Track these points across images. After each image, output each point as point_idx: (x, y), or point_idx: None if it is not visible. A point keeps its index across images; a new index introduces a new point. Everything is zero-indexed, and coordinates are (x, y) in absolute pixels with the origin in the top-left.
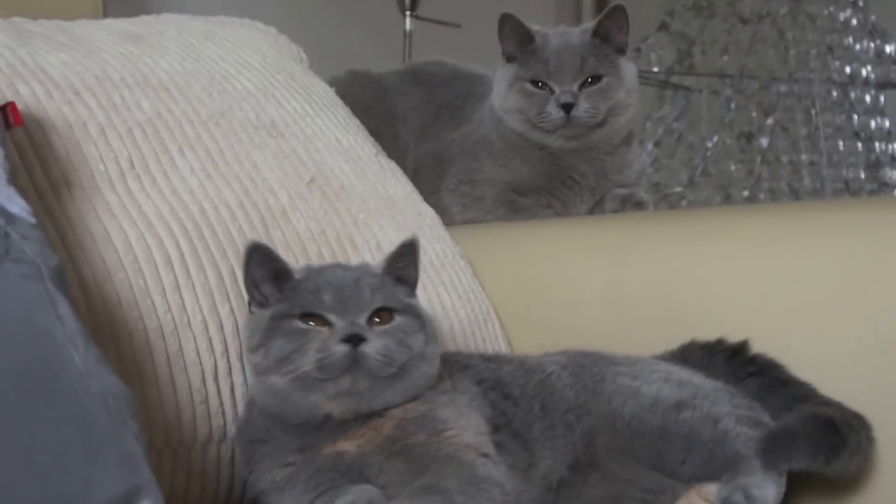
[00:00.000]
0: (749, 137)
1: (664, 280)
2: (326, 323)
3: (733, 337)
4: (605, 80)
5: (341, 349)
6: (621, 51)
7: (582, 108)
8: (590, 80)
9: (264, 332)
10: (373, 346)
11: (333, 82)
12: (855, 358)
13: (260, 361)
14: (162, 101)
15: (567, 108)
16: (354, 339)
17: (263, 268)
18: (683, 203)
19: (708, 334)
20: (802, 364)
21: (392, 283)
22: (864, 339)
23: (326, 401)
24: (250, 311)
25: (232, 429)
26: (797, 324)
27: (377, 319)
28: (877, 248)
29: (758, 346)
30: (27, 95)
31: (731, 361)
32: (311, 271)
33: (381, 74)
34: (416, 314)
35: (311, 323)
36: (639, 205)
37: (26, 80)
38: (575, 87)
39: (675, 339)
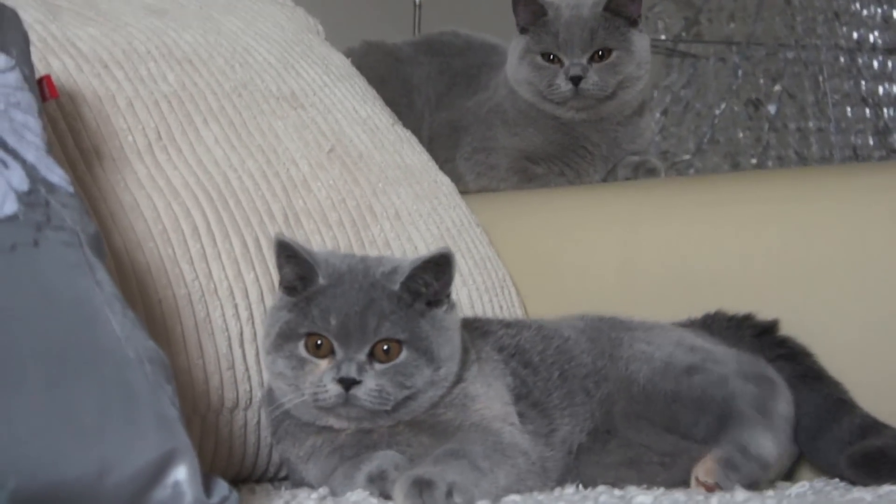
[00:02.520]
0: (756, 105)
1: (679, 246)
2: (329, 350)
3: (749, 301)
4: (615, 53)
5: (334, 389)
6: (633, 23)
7: (591, 81)
8: (600, 53)
9: (272, 345)
10: (365, 389)
11: (349, 53)
12: (869, 322)
13: (268, 367)
14: (186, 74)
15: (576, 80)
16: (346, 382)
17: (289, 266)
18: (691, 171)
19: (722, 299)
20: (817, 328)
21: (407, 304)
22: (880, 304)
23: (327, 418)
24: (279, 292)
25: (257, 395)
26: (812, 289)
27: (385, 348)
28: (893, 212)
29: (772, 311)
30: (58, 69)
31: (760, 339)
32: (332, 278)
33: (396, 45)
34: (424, 347)
35: (315, 345)
36: (651, 171)
37: (57, 54)
38: (584, 60)
39: (690, 304)
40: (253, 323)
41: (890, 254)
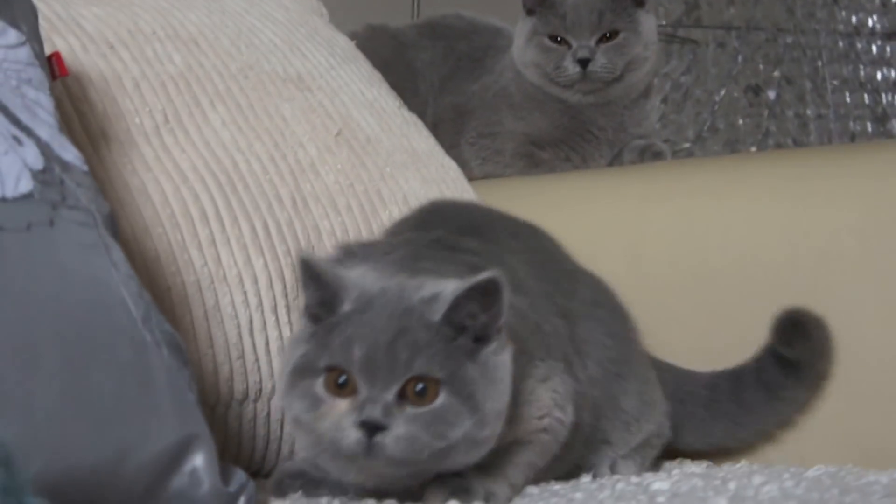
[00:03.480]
0: (756, 91)
1: (687, 230)
2: (354, 389)
3: (759, 286)
4: (622, 35)
5: (354, 435)
6: (640, 3)
7: (599, 64)
8: (607, 34)
9: (287, 384)
10: (392, 437)
11: (352, 37)
12: (881, 304)
13: (286, 411)
14: (192, 55)
15: (584, 63)
16: (369, 427)
17: (312, 288)
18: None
19: (732, 285)
20: (830, 312)
21: (448, 338)
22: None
23: (349, 471)
24: (302, 320)
25: (267, 386)
26: (824, 272)
27: (418, 388)
28: None
29: (785, 296)
30: (63, 48)
31: None
32: (359, 303)
33: (399, 28)
34: (467, 392)
35: (335, 383)
36: (657, 155)
37: (62, 34)
38: (592, 42)
39: (698, 291)
40: (262, 311)
41: None
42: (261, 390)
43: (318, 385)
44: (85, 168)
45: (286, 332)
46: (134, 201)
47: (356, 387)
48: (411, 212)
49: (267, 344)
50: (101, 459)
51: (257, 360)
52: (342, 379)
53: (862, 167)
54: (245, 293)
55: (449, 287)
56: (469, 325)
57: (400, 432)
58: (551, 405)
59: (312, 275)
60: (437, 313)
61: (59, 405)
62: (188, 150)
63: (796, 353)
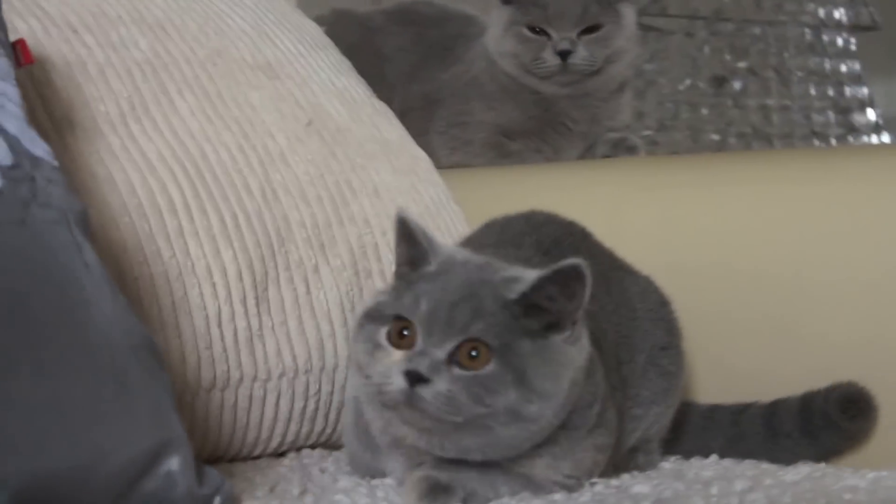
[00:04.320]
0: (721, 81)
1: (661, 226)
2: (412, 342)
3: (733, 285)
4: (604, 28)
5: (398, 383)
6: None
7: (579, 56)
8: (590, 27)
9: (356, 325)
10: (432, 391)
11: (318, 21)
12: (862, 301)
13: (351, 353)
14: (159, 40)
15: (564, 55)
16: (413, 377)
17: (403, 246)
18: (654, 147)
19: (707, 283)
20: (810, 311)
21: (516, 315)
22: (871, 285)
23: (398, 424)
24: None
25: (235, 375)
26: (802, 270)
27: (472, 353)
28: (882, 195)
29: (762, 294)
30: (25, 32)
31: None
32: (443, 266)
33: (367, 14)
34: (518, 366)
35: (399, 333)
36: (631, 149)
37: (23, 17)
38: (574, 34)
39: (672, 285)
40: (231, 302)
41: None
42: (228, 379)
43: (382, 333)
44: (55, 163)
45: (255, 323)
46: (100, 191)
47: (414, 340)
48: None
49: (235, 334)
50: (75, 463)
51: (225, 349)
52: (405, 331)
53: (839, 170)
54: (213, 284)
55: (533, 273)
56: (545, 307)
57: (440, 388)
58: (589, 472)
59: (406, 232)
60: (514, 293)
61: (32, 409)
62: (155, 139)
63: (853, 427)
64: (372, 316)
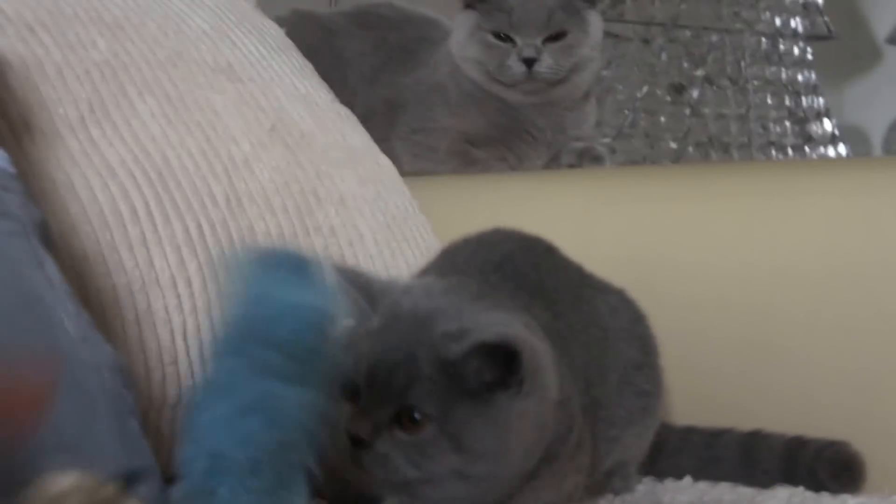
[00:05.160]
0: (679, 88)
1: (628, 238)
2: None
3: (703, 296)
4: (570, 35)
5: (342, 445)
6: (591, 2)
7: (545, 64)
8: (555, 34)
9: None
10: (371, 454)
11: (278, 22)
12: (837, 317)
13: None
14: (118, 41)
15: (529, 62)
16: (355, 440)
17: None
18: (613, 154)
19: (675, 296)
20: (778, 323)
21: (455, 376)
22: (846, 299)
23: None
24: None
25: None
26: (771, 283)
27: (415, 416)
28: (859, 210)
29: (731, 307)
30: None
31: None
32: (386, 318)
33: (328, 16)
34: (454, 432)
35: (349, 390)
36: (596, 159)
37: None
38: (538, 41)
39: (640, 301)
40: (196, 314)
41: (854, 249)
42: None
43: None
44: (12, 170)
45: None
46: (59, 197)
47: (360, 399)
48: (483, 245)
49: (202, 348)
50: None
51: (191, 364)
52: (353, 388)
53: (810, 184)
54: (178, 296)
55: (476, 330)
56: (479, 374)
57: (379, 451)
58: (568, 495)
59: (346, 285)
60: (453, 353)
61: None
62: (116, 144)
63: (839, 489)
64: None
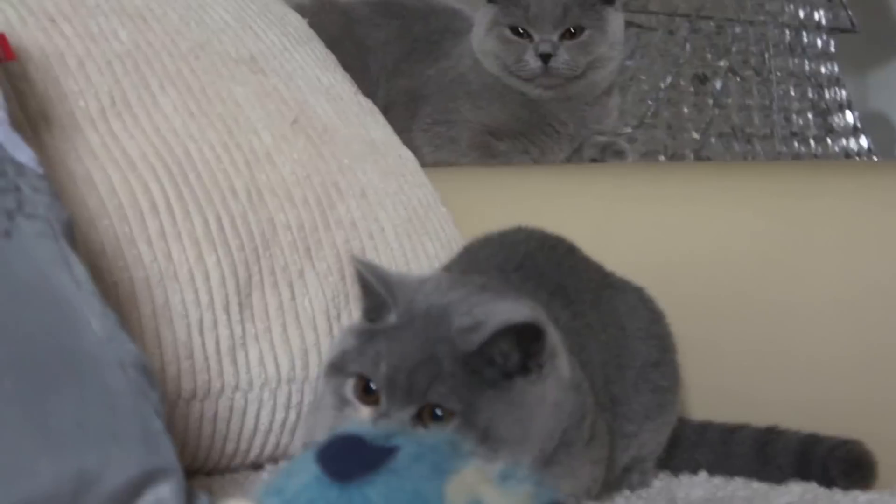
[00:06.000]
0: (702, 79)
1: (646, 234)
2: (377, 398)
3: (718, 292)
4: (587, 32)
5: None
6: (609, 0)
7: (560, 60)
8: (572, 30)
9: (324, 373)
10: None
11: (300, 11)
12: (855, 316)
13: (318, 393)
14: (140, 31)
15: (545, 58)
16: None
17: (367, 295)
18: (634, 145)
19: (690, 292)
20: (789, 319)
21: (475, 369)
22: (865, 298)
23: None
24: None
25: (216, 384)
26: (787, 281)
27: (437, 413)
28: (869, 210)
29: (746, 303)
30: (0, 22)
31: None
32: (404, 318)
33: (351, 4)
34: (479, 423)
35: (364, 390)
36: (618, 154)
37: None
38: (555, 37)
39: (657, 295)
40: (213, 309)
41: (866, 247)
42: (209, 389)
43: (348, 387)
44: (40, 170)
45: (237, 331)
46: (78, 191)
47: (380, 398)
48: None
49: (217, 343)
50: (57, 492)
51: (206, 359)
52: (371, 388)
53: (834, 184)
54: (196, 291)
55: (491, 319)
56: (498, 362)
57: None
58: (586, 488)
59: (364, 283)
60: (471, 344)
61: (16, 432)
62: (137, 137)
63: (850, 486)
64: (338, 367)
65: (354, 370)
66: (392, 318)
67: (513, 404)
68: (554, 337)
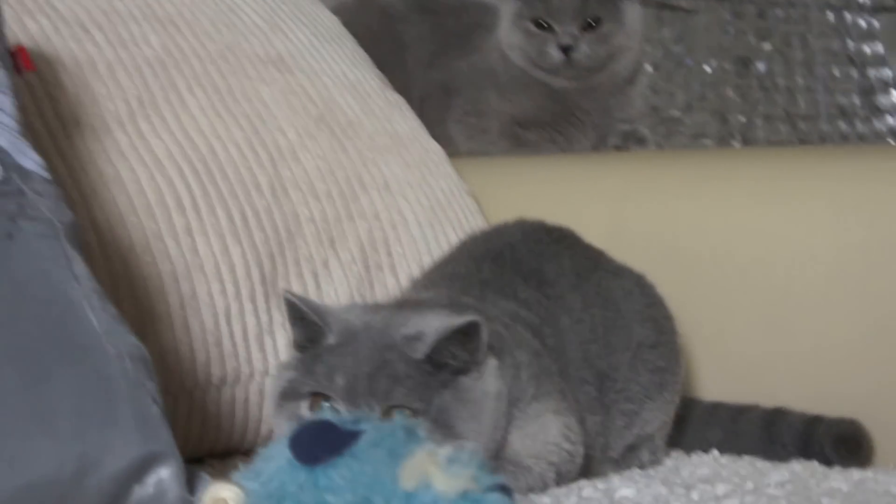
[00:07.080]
0: (746, 62)
1: (668, 220)
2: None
3: (737, 280)
4: (605, 24)
5: None
6: None
7: (581, 52)
8: (591, 22)
9: (275, 407)
10: None
11: (340, 9)
12: (855, 304)
13: (274, 427)
14: (170, 36)
15: (566, 50)
16: None
17: (298, 325)
18: (681, 128)
19: (711, 277)
20: (804, 308)
21: (428, 372)
22: (865, 286)
23: None
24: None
25: (245, 370)
26: (803, 269)
27: (408, 412)
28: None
29: (761, 292)
30: (35, 31)
31: None
32: (343, 336)
33: (388, 1)
34: (443, 420)
35: (319, 405)
36: (640, 141)
37: (34, 15)
38: (576, 29)
39: (677, 280)
40: (240, 300)
41: (881, 236)
42: (238, 375)
43: (304, 407)
44: (46, 175)
45: (264, 319)
46: (108, 190)
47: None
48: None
49: (245, 331)
50: (60, 475)
51: (234, 346)
52: (326, 403)
53: (854, 168)
54: (222, 282)
55: (431, 327)
56: (449, 363)
57: None
58: (560, 437)
59: (297, 314)
60: (419, 352)
61: (18, 418)
62: (164, 137)
63: (845, 463)
64: (289, 394)
65: (308, 390)
66: (330, 340)
67: (465, 401)
68: (485, 334)
